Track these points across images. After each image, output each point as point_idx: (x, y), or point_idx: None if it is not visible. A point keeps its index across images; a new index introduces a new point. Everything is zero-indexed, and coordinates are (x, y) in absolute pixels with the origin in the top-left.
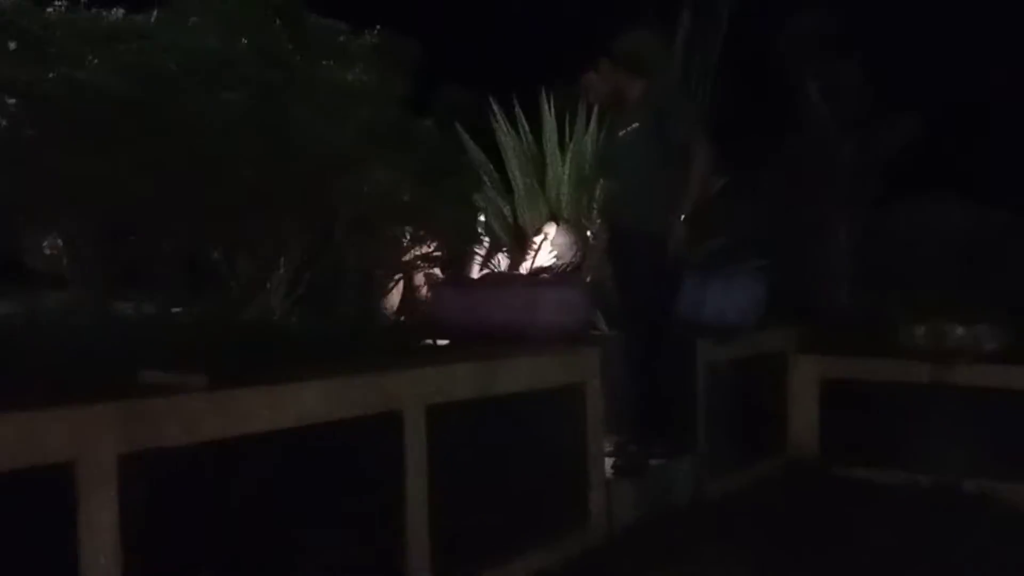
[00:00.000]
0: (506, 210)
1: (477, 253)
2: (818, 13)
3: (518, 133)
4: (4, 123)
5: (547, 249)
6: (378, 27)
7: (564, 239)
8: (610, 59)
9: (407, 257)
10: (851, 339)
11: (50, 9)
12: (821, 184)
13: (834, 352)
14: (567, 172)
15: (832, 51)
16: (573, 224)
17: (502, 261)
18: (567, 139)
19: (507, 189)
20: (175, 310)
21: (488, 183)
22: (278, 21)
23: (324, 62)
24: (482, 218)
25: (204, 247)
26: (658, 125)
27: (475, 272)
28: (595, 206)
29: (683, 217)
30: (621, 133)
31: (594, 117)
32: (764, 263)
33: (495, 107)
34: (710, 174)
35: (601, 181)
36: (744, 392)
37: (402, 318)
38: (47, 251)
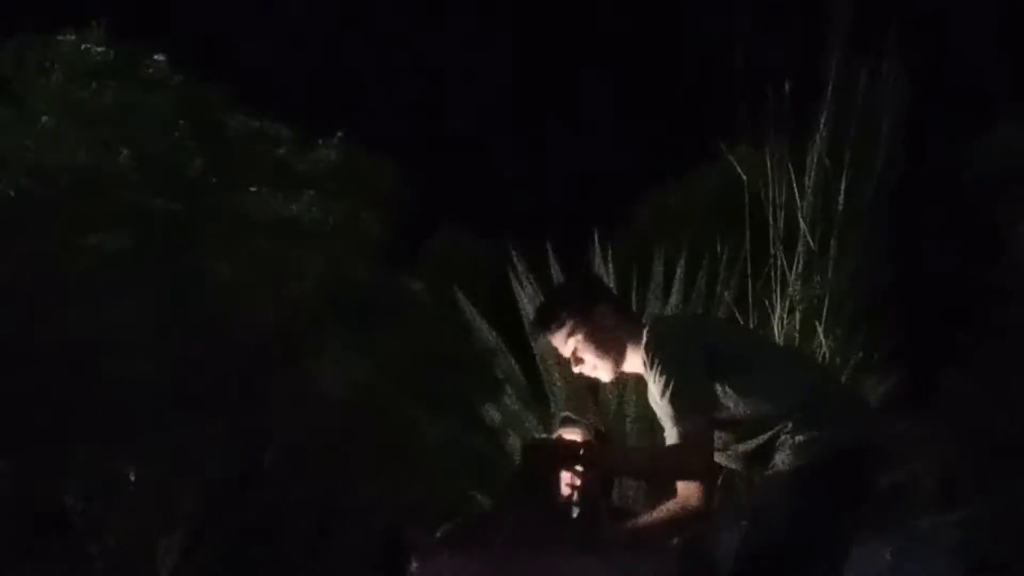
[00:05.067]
0: (536, 428)
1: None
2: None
3: None
4: None
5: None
6: (340, 134)
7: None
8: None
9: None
10: None
11: None
12: None
13: None
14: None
15: None
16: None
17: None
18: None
19: (536, 393)
20: None
21: (508, 384)
22: (182, 123)
23: (252, 188)
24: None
25: (50, 488)
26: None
27: (493, 527)
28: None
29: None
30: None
31: (678, 276)
32: (957, 517)
33: (517, 262)
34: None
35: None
36: None
37: None
38: None
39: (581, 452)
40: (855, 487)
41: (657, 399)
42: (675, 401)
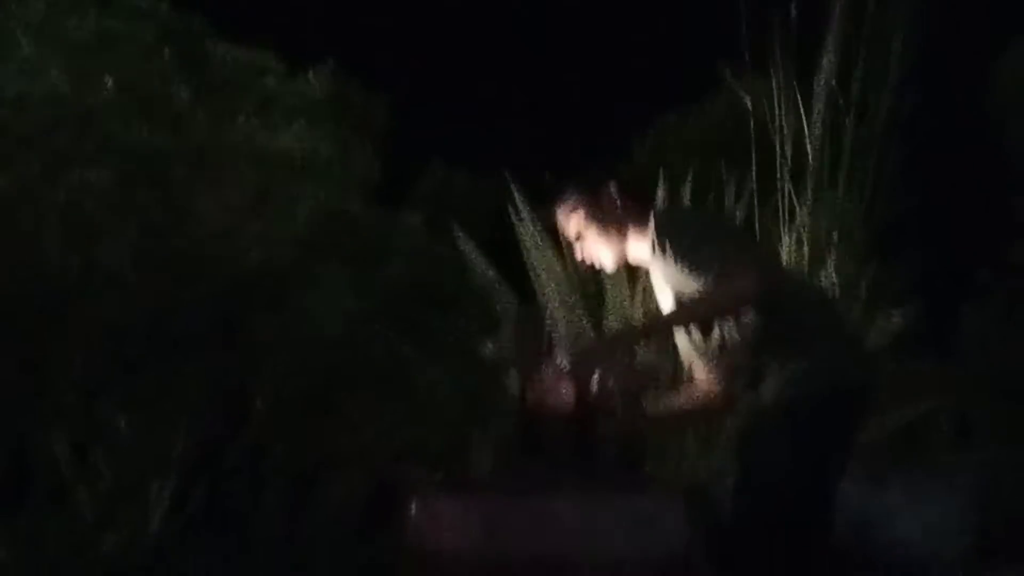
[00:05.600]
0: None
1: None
2: None
3: (558, 242)
4: None
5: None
6: (330, 62)
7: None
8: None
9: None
10: None
11: None
12: None
13: None
14: (640, 303)
15: None
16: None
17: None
18: None
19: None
20: None
21: (508, 323)
22: (167, 52)
23: (241, 118)
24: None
25: (34, 434)
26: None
27: (496, 472)
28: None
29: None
30: None
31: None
32: (974, 458)
33: (518, 196)
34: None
35: None
36: None
37: (368, 550)
38: None
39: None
40: (844, 426)
41: (673, 282)
42: (704, 269)
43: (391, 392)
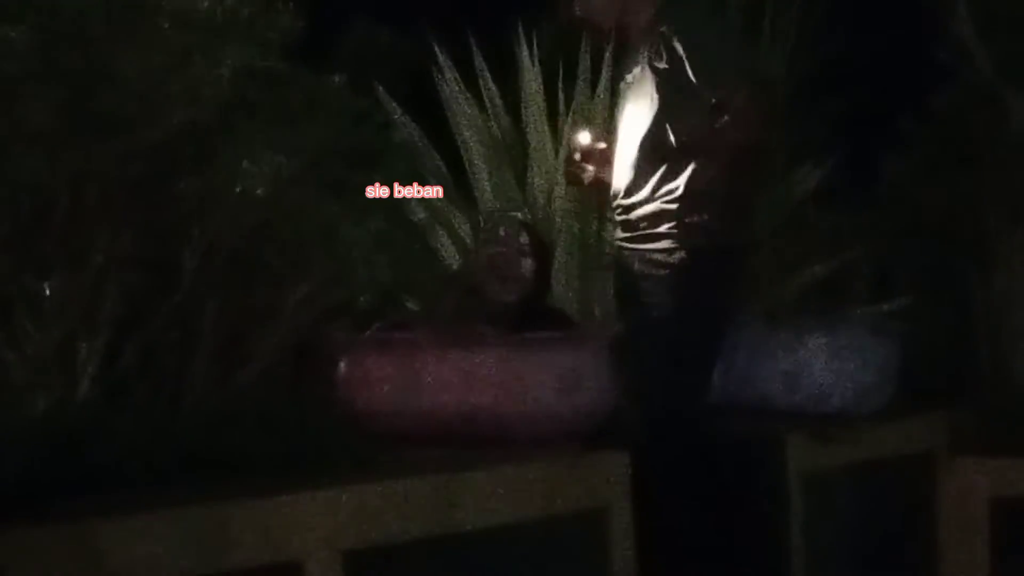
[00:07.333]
0: (463, 226)
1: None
2: None
3: (481, 99)
4: None
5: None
6: None
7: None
8: None
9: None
10: None
11: None
12: (982, 177)
13: (1012, 453)
14: (562, 160)
15: None
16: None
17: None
18: (561, 108)
19: (464, 191)
20: None
21: (433, 181)
22: None
23: None
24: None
25: None
26: (672, 71)
27: (417, 328)
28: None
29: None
30: (623, 82)
31: (605, 64)
32: (894, 308)
33: (441, 56)
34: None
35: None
36: (865, 518)
37: (297, 407)
38: None
39: None
40: (735, 276)
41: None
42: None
43: (318, 250)
